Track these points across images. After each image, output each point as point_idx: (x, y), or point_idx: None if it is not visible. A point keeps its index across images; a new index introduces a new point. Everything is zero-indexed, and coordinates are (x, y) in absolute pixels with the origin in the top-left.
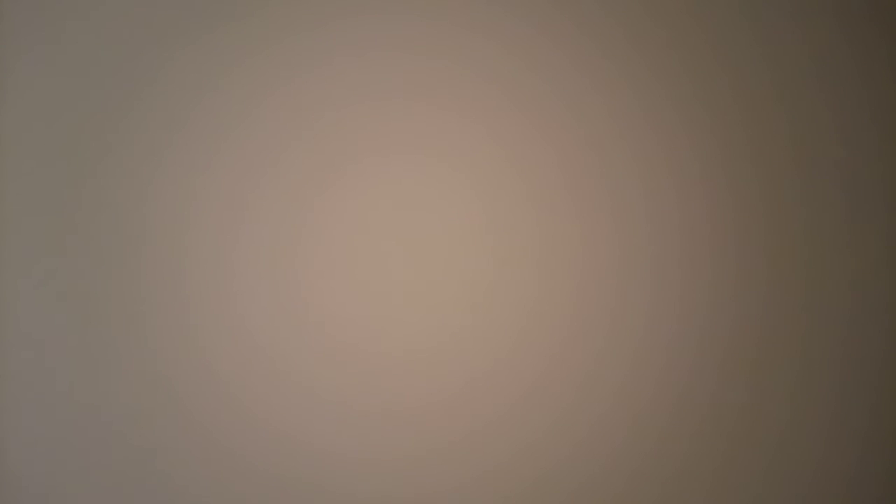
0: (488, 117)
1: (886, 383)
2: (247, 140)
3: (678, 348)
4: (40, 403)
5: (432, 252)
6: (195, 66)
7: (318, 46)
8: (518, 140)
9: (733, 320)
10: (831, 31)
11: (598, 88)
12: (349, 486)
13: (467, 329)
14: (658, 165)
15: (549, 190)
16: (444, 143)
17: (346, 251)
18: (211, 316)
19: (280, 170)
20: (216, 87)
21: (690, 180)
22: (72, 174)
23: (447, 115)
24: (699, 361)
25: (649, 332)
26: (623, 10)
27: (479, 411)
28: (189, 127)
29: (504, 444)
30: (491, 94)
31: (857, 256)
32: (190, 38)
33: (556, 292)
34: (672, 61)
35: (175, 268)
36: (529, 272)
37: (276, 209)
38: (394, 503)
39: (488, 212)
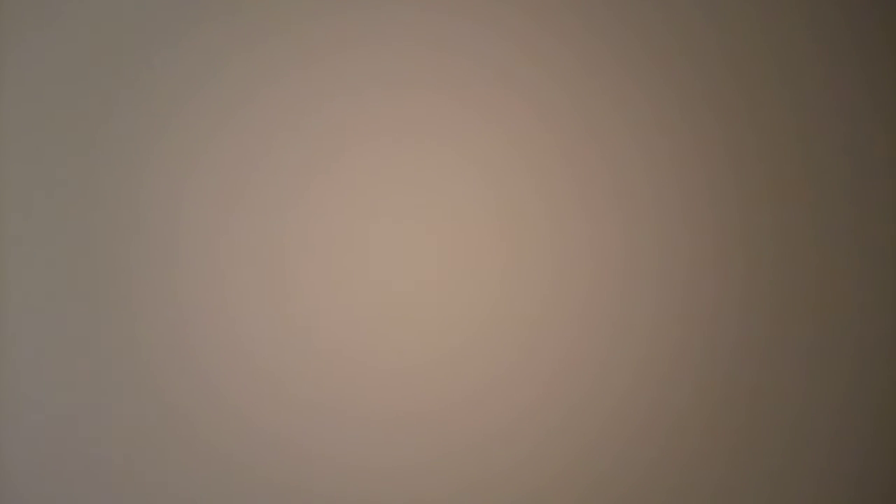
0: (493, 110)
1: (893, 386)
2: (243, 135)
3: (684, 351)
4: (36, 406)
5: (435, 254)
6: (189, 60)
7: (318, 38)
8: (525, 137)
9: (739, 322)
10: (838, 33)
11: (606, 85)
12: (350, 494)
13: (473, 333)
14: (664, 163)
15: (557, 188)
16: (446, 137)
17: (345, 251)
18: (205, 319)
19: (276, 165)
20: (211, 81)
21: (697, 178)
22: (65, 170)
23: (452, 109)
24: (706, 363)
25: (656, 334)
26: (630, 7)
27: (485, 417)
28: (183, 121)
29: (510, 449)
30: (497, 89)
31: (863, 257)
32: (185, 31)
33: (563, 294)
34: (678, 59)
35: (168, 267)
36: (536, 274)
37: (272, 206)
38: None
39: (492, 210)
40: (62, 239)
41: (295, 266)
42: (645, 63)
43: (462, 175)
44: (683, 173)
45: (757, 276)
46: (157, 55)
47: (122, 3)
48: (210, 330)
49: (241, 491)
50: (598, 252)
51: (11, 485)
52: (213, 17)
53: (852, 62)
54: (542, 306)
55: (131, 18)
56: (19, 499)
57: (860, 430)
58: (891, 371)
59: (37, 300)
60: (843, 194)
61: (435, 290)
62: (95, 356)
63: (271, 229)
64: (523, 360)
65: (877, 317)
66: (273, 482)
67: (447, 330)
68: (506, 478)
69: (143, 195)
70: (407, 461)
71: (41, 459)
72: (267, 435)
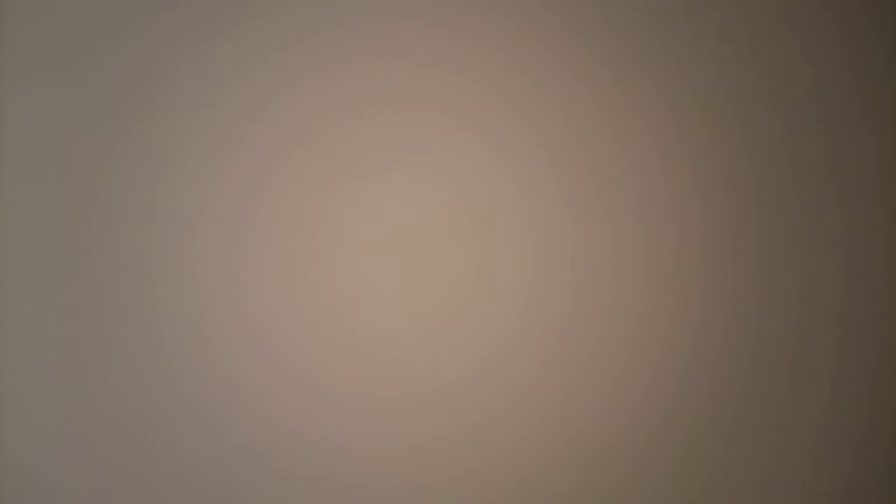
0: (481, 121)
1: (882, 383)
2: (252, 145)
3: (672, 348)
4: (45, 399)
5: (431, 252)
6: (202, 71)
7: (318, 55)
8: (511, 144)
9: (727, 320)
10: (827, 33)
11: (592, 92)
12: (353, 478)
13: (462, 326)
14: (651, 166)
15: (543, 192)
16: (437, 146)
17: (348, 250)
18: (219, 312)
19: (285, 173)
20: (223, 91)
21: (684, 182)
22: (80, 175)
23: (441, 119)
24: (693, 360)
25: (643, 331)
26: (617, 13)
27: (476, 406)
28: (196, 131)
29: (501, 437)
30: (484, 99)
31: (853, 258)
32: (198, 41)
33: (549, 292)
34: (668, 67)
35: (183, 265)
36: (523, 271)
37: (282, 211)
38: (395, 494)
39: (483, 212)
40: (77, 238)
41: (305, 266)
42: (634, 72)
43: (456, 182)
44: (672, 180)
45: (746, 276)
46: (167, 69)
47: (136, 14)
48: (224, 326)
49: (251, 476)
50: (585, 255)
51: (19, 483)
52: (223, 30)
53: (842, 66)
54: (529, 304)
55: (143, 28)
56: (26, 495)
57: (852, 428)
58: (883, 368)
59: (51, 297)
60: (834, 195)
61: (430, 287)
62: (110, 354)
63: (284, 233)
64: (513, 352)
65: (868, 315)
66: (283, 467)
67: (439, 324)
68: (499, 464)
69: (161, 199)
70: (402, 447)
71: (49, 455)
72: (277, 422)
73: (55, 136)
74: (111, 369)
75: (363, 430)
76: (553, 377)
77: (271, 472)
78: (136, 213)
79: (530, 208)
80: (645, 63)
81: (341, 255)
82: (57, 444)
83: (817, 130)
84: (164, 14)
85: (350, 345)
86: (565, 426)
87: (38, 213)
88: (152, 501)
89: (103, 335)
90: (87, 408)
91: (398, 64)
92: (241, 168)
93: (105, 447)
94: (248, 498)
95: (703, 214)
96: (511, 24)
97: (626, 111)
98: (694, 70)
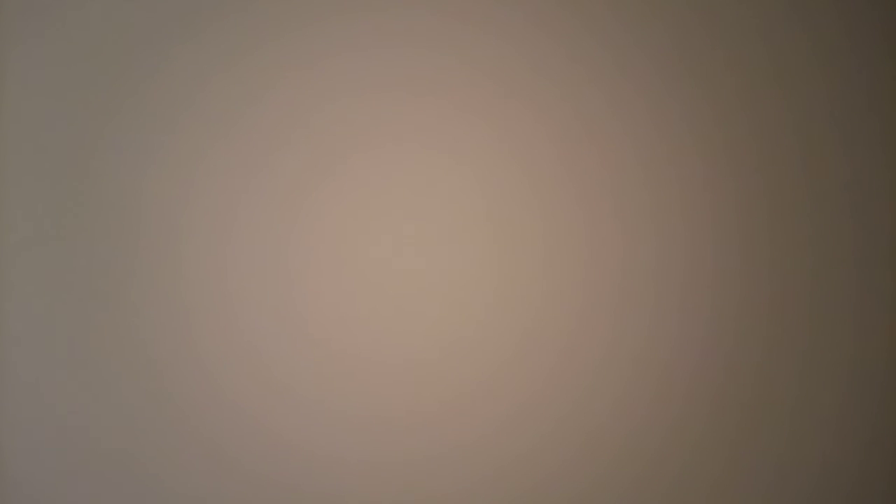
0: (490, 113)
1: (890, 387)
2: (245, 136)
3: (681, 351)
4: (37, 407)
5: (433, 253)
6: (193, 62)
7: (318, 41)
8: (520, 136)
9: (736, 322)
10: (835, 29)
11: (601, 84)
12: (349, 493)
13: (469, 332)
14: (661, 161)
15: (552, 187)
16: (444, 139)
17: (345, 251)
18: (208, 319)
19: (278, 167)
20: (214, 83)
21: (694, 177)
22: (67, 171)
23: (448, 110)
24: (702, 364)
25: (652, 334)
26: (626, 5)
27: (481, 416)
28: (186, 123)
29: (506, 448)
30: (493, 90)
31: (861, 256)
32: (188, 33)
33: (559, 293)
34: (677, 61)
35: (171, 267)
36: (532, 273)
37: (274, 207)
38: None
39: (490, 211)
40: (64, 238)
41: (297, 265)
42: (643, 66)
43: (459, 177)
44: (682, 176)
45: (755, 276)
46: (159, 57)
47: (124, 6)
48: (214, 333)
49: (245, 490)
50: (595, 253)
51: (13, 486)
52: (215, 20)
53: (851, 60)
54: (539, 308)
55: (134, 21)
56: (21, 499)
57: (860, 432)
58: (891, 369)
59: (40, 301)
60: (842, 195)
61: (435, 290)
62: (98, 361)
63: (275, 233)
64: (521, 359)
65: (876, 314)
66: (276, 482)
67: (445, 329)
68: (505, 475)
69: (148, 195)
70: (406, 460)
71: (41, 462)
72: (268, 432)
73: (42, 132)
74: (99, 378)
75: (362, 443)
76: (561, 385)
77: (268, 486)
78: (123, 214)
79: (541, 207)
80: (655, 58)
81: (339, 257)
82: (50, 456)
83: (827, 127)
84: (156, 3)
85: (347, 353)
86: (576, 430)
87: (22, 213)
88: None
89: (88, 342)
90: (78, 418)
91: (405, 54)
92: (239, 166)
93: (96, 459)
94: None
95: (712, 213)
96: (522, 18)
97: (636, 108)
98: (704, 68)
